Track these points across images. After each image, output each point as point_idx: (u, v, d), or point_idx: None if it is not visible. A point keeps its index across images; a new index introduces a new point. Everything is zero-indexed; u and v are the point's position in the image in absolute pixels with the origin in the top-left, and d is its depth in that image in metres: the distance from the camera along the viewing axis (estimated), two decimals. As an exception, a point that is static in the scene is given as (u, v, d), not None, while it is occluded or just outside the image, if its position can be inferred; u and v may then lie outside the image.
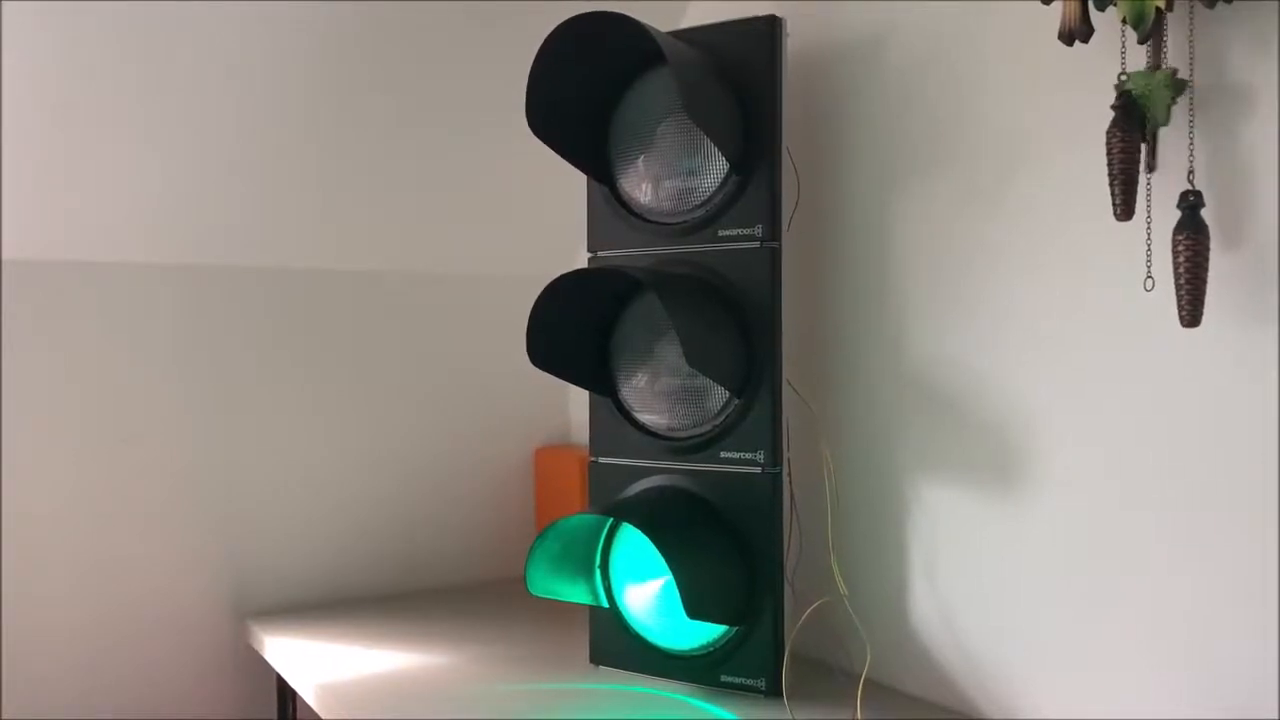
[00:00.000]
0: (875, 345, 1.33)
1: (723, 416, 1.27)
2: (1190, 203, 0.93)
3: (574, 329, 1.32)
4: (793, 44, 1.29)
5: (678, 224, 1.30)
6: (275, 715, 1.68)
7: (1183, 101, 0.95)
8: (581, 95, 1.30)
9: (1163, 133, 0.97)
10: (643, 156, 1.32)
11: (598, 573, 1.34)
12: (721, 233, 1.27)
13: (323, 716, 1.35)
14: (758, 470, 1.25)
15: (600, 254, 1.37)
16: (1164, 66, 0.95)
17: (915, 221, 1.28)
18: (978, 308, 1.21)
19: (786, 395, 1.27)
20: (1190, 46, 0.94)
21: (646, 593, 1.32)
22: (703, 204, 1.29)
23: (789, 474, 1.27)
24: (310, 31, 1.50)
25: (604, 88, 1.33)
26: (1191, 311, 0.92)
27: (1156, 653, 1.03)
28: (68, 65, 1.40)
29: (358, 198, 1.71)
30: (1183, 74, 0.95)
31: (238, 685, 1.69)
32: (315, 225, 1.71)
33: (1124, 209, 0.96)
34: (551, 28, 1.21)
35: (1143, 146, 0.97)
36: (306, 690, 1.39)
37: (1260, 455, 0.95)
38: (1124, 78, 0.97)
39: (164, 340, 1.64)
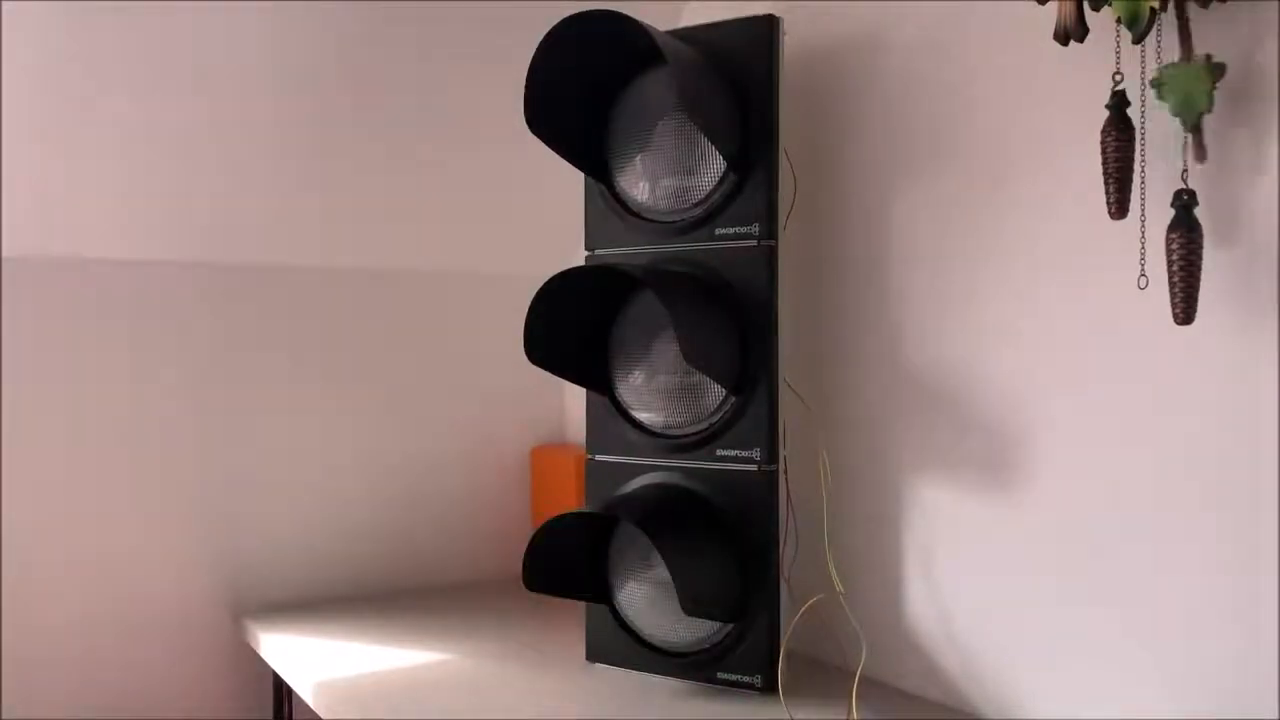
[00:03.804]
0: (872, 344, 1.34)
1: (719, 414, 1.28)
2: (1184, 201, 0.93)
3: (571, 327, 1.32)
4: (790, 43, 1.30)
5: (675, 222, 1.31)
6: (271, 714, 1.69)
7: (1169, 104, 0.95)
8: (580, 94, 1.31)
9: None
10: (640, 155, 1.32)
11: (594, 571, 1.34)
12: (719, 231, 1.28)
13: (319, 714, 1.35)
14: (754, 468, 1.25)
15: (598, 252, 1.37)
16: (1196, 54, 0.94)
17: (912, 220, 1.29)
18: (974, 306, 1.22)
19: (783, 393, 1.27)
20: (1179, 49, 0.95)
21: (643, 590, 1.32)
22: (700, 202, 1.29)
23: (785, 471, 1.28)
24: (311, 32, 1.50)
25: (602, 86, 1.33)
26: (1185, 309, 0.92)
27: (1154, 652, 1.04)
28: (68, 65, 1.40)
29: (357, 196, 1.71)
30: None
31: (234, 684, 1.69)
32: (315, 224, 1.71)
33: (1118, 207, 0.97)
34: (550, 26, 1.21)
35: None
36: (303, 688, 1.39)
37: (1256, 453, 0.95)
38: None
39: (164, 339, 1.64)
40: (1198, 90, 0.93)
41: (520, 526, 1.93)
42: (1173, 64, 0.94)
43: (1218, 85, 0.92)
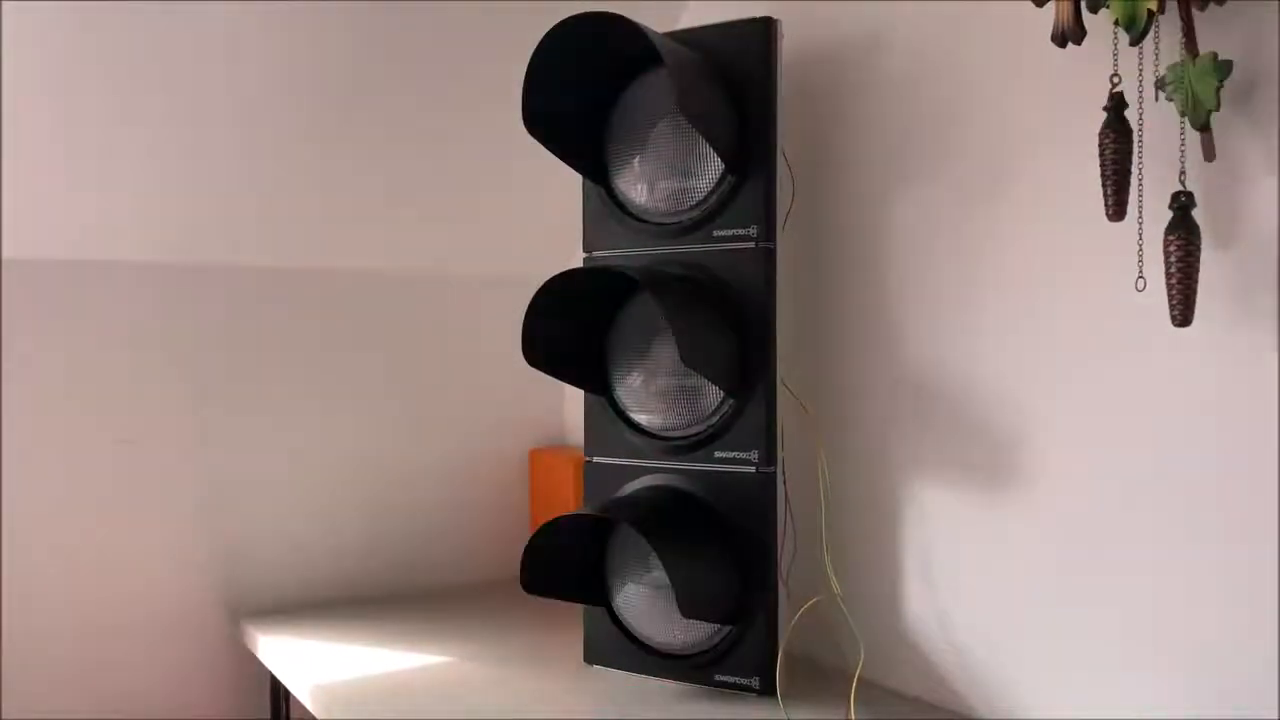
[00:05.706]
0: (869, 345, 1.34)
1: (717, 416, 1.28)
2: (1182, 203, 0.93)
3: (570, 329, 1.32)
4: (788, 45, 1.30)
5: (673, 224, 1.31)
6: (269, 716, 1.68)
7: (1175, 104, 0.95)
8: (578, 95, 1.31)
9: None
10: (638, 157, 1.32)
11: (592, 572, 1.34)
12: (717, 233, 1.28)
13: (316, 717, 1.35)
14: (752, 470, 1.25)
15: (596, 254, 1.37)
16: (1202, 52, 0.93)
17: (909, 222, 1.29)
18: (971, 308, 1.22)
19: (781, 395, 1.27)
20: (1182, 49, 0.95)
21: (641, 592, 1.32)
22: (698, 204, 1.29)
23: (783, 473, 1.28)
24: (311, 32, 1.50)
25: (600, 88, 1.33)
26: (1183, 311, 0.92)
27: (1153, 653, 1.04)
28: (68, 65, 1.40)
29: (356, 197, 1.71)
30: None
31: (232, 686, 1.69)
32: (314, 225, 1.72)
33: (1116, 210, 0.97)
34: (549, 27, 1.21)
35: (1138, 145, 0.97)
36: (301, 690, 1.39)
37: (1254, 454, 0.95)
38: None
39: (163, 340, 1.64)
40: (1205, 89, 0.92)
41: (519, 528, 1.92)
42: (1178, 63, 0.94)
43: (1224, 84, 0.92)
